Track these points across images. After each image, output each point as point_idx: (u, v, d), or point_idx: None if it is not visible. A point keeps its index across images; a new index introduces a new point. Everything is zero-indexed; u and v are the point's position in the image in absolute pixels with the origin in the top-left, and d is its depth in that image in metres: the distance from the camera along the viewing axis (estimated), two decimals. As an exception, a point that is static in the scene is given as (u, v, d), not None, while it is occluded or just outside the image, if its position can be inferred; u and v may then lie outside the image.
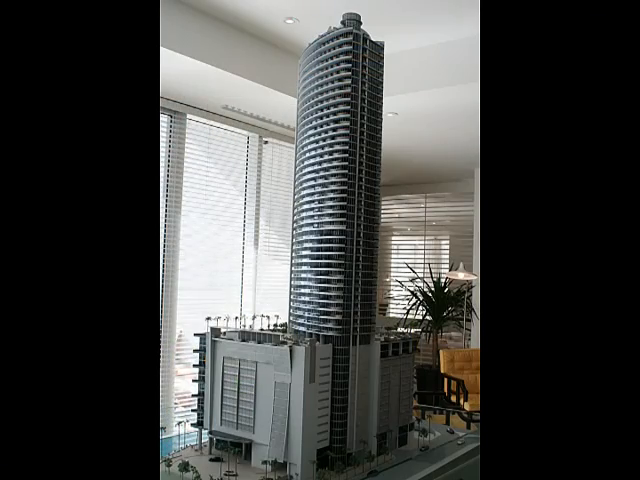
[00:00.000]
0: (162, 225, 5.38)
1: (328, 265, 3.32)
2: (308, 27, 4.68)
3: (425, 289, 7.72)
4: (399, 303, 8.53)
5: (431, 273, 8.05)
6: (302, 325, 3.47)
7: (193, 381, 3.56)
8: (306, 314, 3.42)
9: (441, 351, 6.92)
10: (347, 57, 3.35)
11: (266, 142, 6.42)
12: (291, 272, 3.71)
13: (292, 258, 3.72)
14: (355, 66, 3.35)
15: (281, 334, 3.39)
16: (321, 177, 3.39)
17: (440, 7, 4.38)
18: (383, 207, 8.96)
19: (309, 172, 3.46)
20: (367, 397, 3.39)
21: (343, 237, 3.30)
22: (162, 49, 4.14)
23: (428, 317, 7.57)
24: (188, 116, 5.58)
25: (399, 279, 8.54)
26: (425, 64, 5.06)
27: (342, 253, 3.29)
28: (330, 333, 3.26)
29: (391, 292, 9.07)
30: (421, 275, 8.24)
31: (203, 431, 3.50)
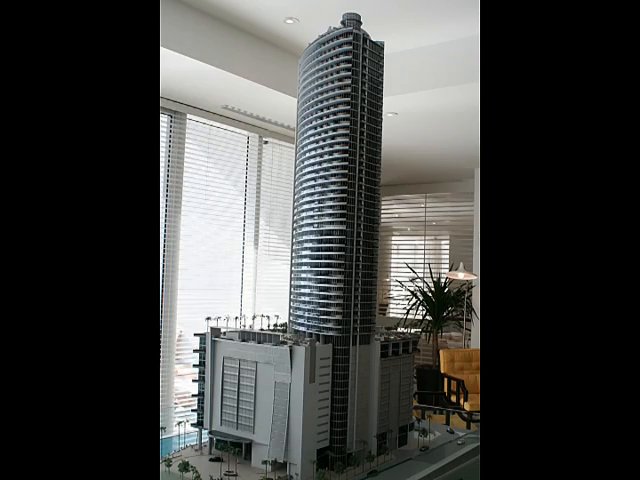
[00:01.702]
0: (162, 225, 5.38)
1: (328, 265, 3.32)
2: (308, 27, 4.68)
3: (425, 289, 7.72)
4: (399, 303, 8.53)
5: (431, 273, 8.06)
6: (302, 325, 3.47)
7: (193, 381, 3.57)
8: (306, 314, 3.43)
9: (441, 351, 6.93)
10: (347, 57, 3.35)
11: (266, 142, 6.42)
12: (291, 272, 3.71)
13: (292, 258, 3.72)
14: (355, 66, 3.35)
15: (281, 334, 3.39)
16: (321, 177, 3.39)
17: (440, 7, 4.38)
18: (383, 207, 8.96)
19: (309, 172, 3.46)
20: (367, 397, 3.39)
21: (343, 237, 3.30)
22: (162, 49, 4.14)
23: (428, 317, 7.57)
24: (188, 116, 5.58)
25: (399, 279, 8.55)
26: (425, 64, 5.06)
27: (342, 253, 3.29)
28: (330, 333, 3.26)
29: (391, 292, 9.07)
30: (421, 275, 8.24)
31: (203, 431, 3.50)
